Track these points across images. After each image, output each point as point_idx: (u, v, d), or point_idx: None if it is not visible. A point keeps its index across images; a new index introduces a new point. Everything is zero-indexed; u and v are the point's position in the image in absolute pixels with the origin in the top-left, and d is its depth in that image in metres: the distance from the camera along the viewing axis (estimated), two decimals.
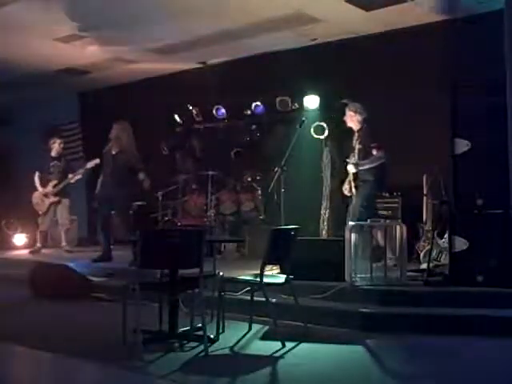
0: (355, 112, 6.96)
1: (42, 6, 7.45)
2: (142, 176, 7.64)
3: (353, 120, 6.98)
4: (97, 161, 8.35)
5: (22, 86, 10.79)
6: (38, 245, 9.41)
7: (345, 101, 7.34)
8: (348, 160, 6.91)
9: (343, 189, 7.04)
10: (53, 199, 9.27)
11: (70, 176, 9.15)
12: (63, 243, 9.39)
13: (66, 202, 9.39)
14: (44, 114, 11.93)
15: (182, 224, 8.62)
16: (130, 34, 8.44)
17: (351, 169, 6.84)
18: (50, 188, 9.26)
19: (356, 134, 6.97)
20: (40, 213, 9.38)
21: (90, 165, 8.66)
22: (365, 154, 6.79)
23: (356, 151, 6.84)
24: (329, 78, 8.47)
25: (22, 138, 12.39)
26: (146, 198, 9.25)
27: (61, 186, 9.20)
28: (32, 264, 7.32)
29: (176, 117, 9.86)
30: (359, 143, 6.86)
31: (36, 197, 9.38)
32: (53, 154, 9.48)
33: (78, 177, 9.15)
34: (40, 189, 9.32)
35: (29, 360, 4.31)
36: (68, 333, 4.99)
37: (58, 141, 9.60)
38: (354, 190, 6.83)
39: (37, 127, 12.31)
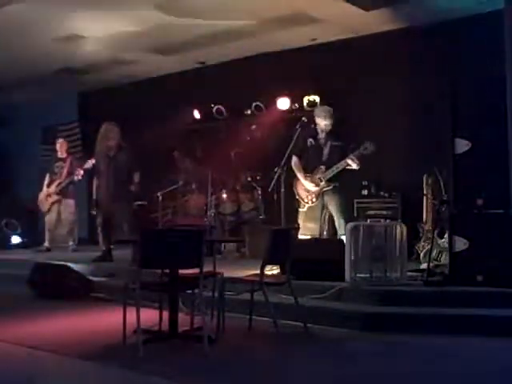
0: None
1: (41, 6, 7.46)
2: (136, 178, 7.66)
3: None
4: (93, 161, 8.22)
5: (22, 86, 10.79)
6: (46, 244, 9.48)
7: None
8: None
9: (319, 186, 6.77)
10: (55, 198, 9.40)
11: (71, 176, 9.21)
12: (70, 243, 9.44)
13: (68, 202, 9.45)
14: (43, 114, 11.93)
15: (182, 224, 8.62)
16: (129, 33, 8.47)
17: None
18: (53, 188, 9.41)
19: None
20: (44, 211, 9.55)
21: (88, 165, 8.52)
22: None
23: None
24: (329, 78, 8.48)
25: (21, 138, 12.40)
26: (146, 198, 9.26)
27: (62, 185, 9.30)
28: (32, 264, 7.31)
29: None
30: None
31: (40, 195, 9.57)
32: (58, 154, 9.62)
33: (77, 177, 9.16)
34: (44, 188, 9.49)
35: (29, 360, 4.31)
36: (68, 333, 4.98)
37: (61, 141, 9.77)
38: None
39: (36, 127, 12.33)
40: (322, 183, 6.70)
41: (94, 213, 8.02)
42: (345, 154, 6.65)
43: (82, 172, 8.94)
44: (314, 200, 6.78)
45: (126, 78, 10.56)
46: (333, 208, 6.75)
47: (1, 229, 10.84)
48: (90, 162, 8.31)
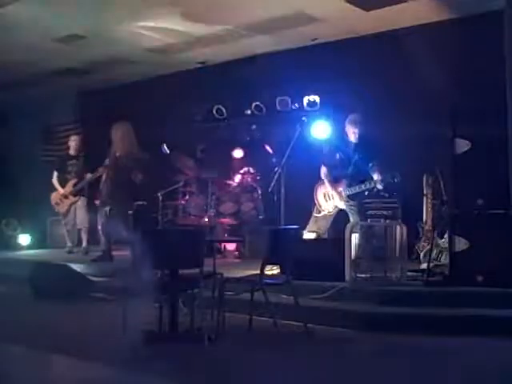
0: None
1: (42, 6, 7.46)
2: (135, 173, 7.62)
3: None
4: (96, 175, 8.30)
5: (22, 86, 10.79)
6: (69, 244, 9.24)
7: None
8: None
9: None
10: (72, 199, 8.99)
11: (89, 176, 8.77)
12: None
13: (83, 201, 9.04)
14: (43, 114, 11.92)
15: (182, 224, 8.62)
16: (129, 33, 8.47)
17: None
18: (69, 187, 8.99)
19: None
20: (61, 213, 9.18)
21: (90, 177, 8.62)
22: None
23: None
24: (329, 77, 8.47)
25: (21, 138, 12.39)
26: (146, 198, 9.25)
27: (80, 186, 8.92)
28: (32, 264, 7.31)
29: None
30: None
31: (55, 197, 9.13)
32: (71, 152, 9.26)
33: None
34: (61, 190, 9.02)
35: (29, 360, 4.31)
36: (68, 333, 4.98)
37: (74, 138, 9.42)
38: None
39: (36, 127, 12.32)
40: (344, 198, 6.83)
41: (99, 204, 7.95)
42: (368, 170, 6.67)
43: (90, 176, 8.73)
44: (330, 210, 7.00)
45: (126, 77, 10.56)
46: (348, 210, 6.85)
47: (1, 228, 10.84)
48: (93, 175, 8.38)
